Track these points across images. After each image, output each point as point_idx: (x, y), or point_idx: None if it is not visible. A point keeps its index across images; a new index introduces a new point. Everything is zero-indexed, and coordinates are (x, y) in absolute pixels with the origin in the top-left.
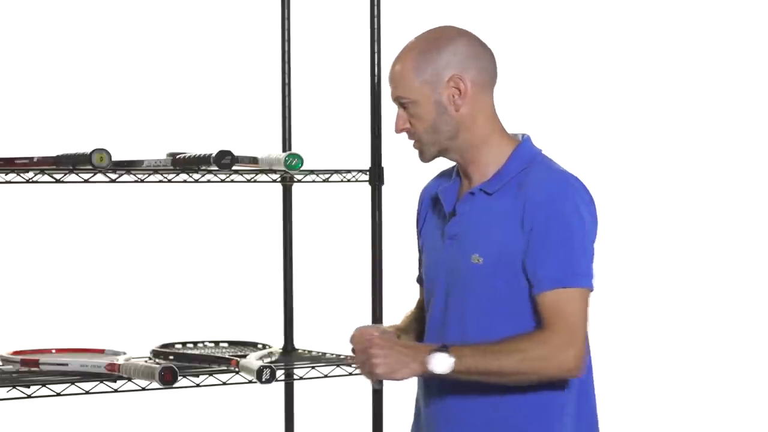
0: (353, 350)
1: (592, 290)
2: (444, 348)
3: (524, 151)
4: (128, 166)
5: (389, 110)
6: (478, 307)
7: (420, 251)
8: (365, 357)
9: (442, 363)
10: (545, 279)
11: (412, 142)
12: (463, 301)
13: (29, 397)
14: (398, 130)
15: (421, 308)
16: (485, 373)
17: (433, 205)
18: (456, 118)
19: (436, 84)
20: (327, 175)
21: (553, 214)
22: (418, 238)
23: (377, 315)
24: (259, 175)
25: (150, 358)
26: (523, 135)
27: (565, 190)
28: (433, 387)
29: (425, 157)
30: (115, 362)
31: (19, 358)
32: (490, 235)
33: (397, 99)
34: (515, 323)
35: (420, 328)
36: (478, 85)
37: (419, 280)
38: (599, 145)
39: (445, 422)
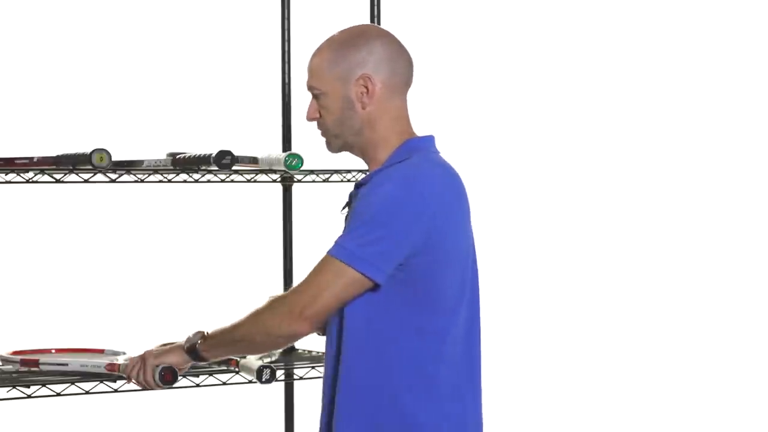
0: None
1: (359, 272)
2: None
3: (399, 153)
4: (128, 166)
5: None
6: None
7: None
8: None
9: (191, 340)
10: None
11: (320, 131)
12: None
13: (29, 397)
14: (309, 119)
15: None
16: (232, 344)
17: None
18: (362, 115)
19: (346, 80)
20: (327, 175)
21: (358, 205)
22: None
23: None
24: (259, 175)
25: None
26: (428, 136)
27: (380, 188)
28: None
29: (331, 147)
30: (115, 362)
31: (18, 358)
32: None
33: (310, 89)
34: (363, 320)
35: None
36: (388, 87)
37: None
38: (599, 145)
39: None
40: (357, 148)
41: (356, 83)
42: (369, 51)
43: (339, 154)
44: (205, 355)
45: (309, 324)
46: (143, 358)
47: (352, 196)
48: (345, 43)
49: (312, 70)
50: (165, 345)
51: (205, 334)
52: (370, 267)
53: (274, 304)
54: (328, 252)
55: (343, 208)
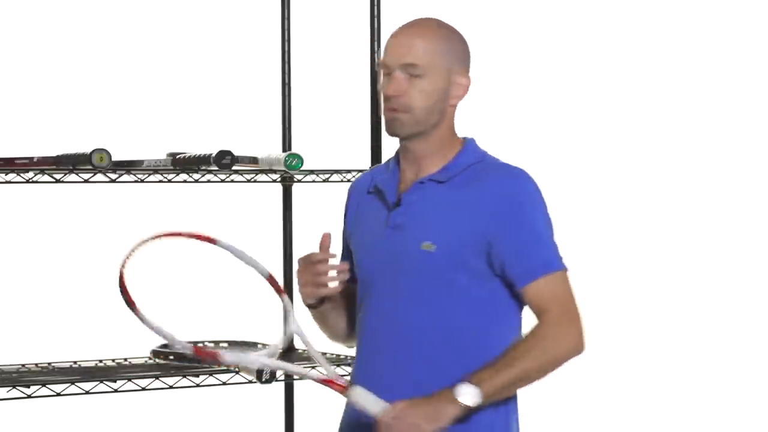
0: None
1: (568, 270)
2: (461, 382)
3: (473, 148)
4: (128, 166)
5: None
6: (428, 293)
7: (347, 247)
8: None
9: (470, 395)
10: (527, 272)
11: (390, 109)
12: (410, 288)
13: (29, 397)
14: (392, 93)
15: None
16: (510, 385)
17: (369, 198)
18: (446, 110)
19: (450, 72)
20: (327, 175)
21: (522, 212)
22: (346, 235)
23: None
24: (259, 175)
25: (150, 358)
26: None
27: (526, 185)
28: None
29: (402, 129)
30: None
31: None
32: (445, 224)
33: (407, 65)
34: (464, 311)
35: (341, 315)
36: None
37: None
38: (598, 145)
39: None
40: (424, 138)
41: (459, 79)
42: (465, 50)
43: (339, 154)
44: (480, 405)
45: None
46: (416, 425)
47: (422, 188)
48: (454, 35)
49: (418, 50)
50: (410, 402)
51: (472, 383)
52: (563, 260)
53: (552, 333)
54: (554, 269)
55: (353, 206)
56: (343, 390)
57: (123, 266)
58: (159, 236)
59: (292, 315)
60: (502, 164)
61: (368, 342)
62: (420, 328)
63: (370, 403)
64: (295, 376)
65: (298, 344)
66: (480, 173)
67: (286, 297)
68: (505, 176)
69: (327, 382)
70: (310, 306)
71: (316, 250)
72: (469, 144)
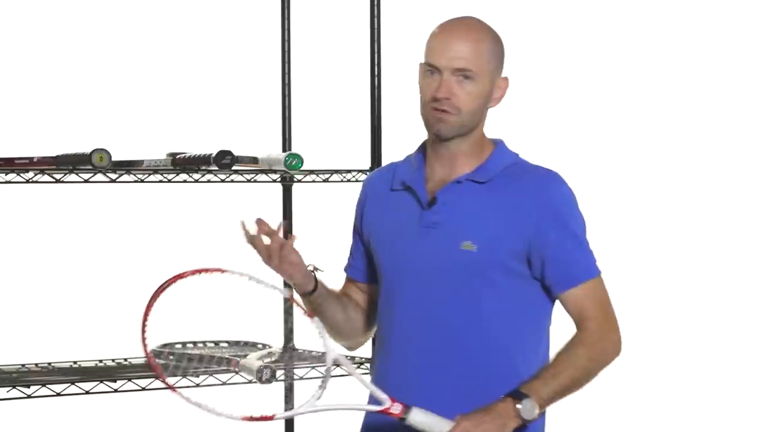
0: None
1: (601, 273)
2: (517, 395)
3: (506, 149)
4: (128, 166)
5: (389, 110)
6: (467, 292)
7: (359, 242)
8: None
9: (530, 410)
10: (567, 278)
11: (438, 109)
12: (449, 287)
13: (29, 397)
14: (443, 95)
15: (344, 295)
16: (559, 395)
17: (395, 196)
18: (484, 112)
19: (496, 74)
20: (327, 175)
21: (562, 216)
22: (360, 232)
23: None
24: (259, 175)
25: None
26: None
27: (564, 190)
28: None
29: (449, 131)
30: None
31: None
32: (485, 224)
33: (460, 69)
34: (501, 311)
35: (340, 308)
36: None
37: (349, 270)
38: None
39: None
40: (463, 138)
41: (501, 81)
42: (504, 53)
43: (339, 154)
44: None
45: None
46: None
47: (459, 187)
48: (498, 38)
49: (471, 54)
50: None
51: (523, 394)
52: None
53: (596, 341)
54: (591, 277)
55: (369, 202)
56: (401, 416)
57: (144, 334)
58: (166, 286)
59: (327, 338)
60: (536, 167)
61: (399, 341)
62: (458, 327)
63: (432, 423)
64: (295, 377)
65: (299, 344)
66: (517, 175)
67: (316, 318)
68: (543, 179)
69: (385, 411)
70: (303, 294)
71: (316, 250)
72: (501, 145)
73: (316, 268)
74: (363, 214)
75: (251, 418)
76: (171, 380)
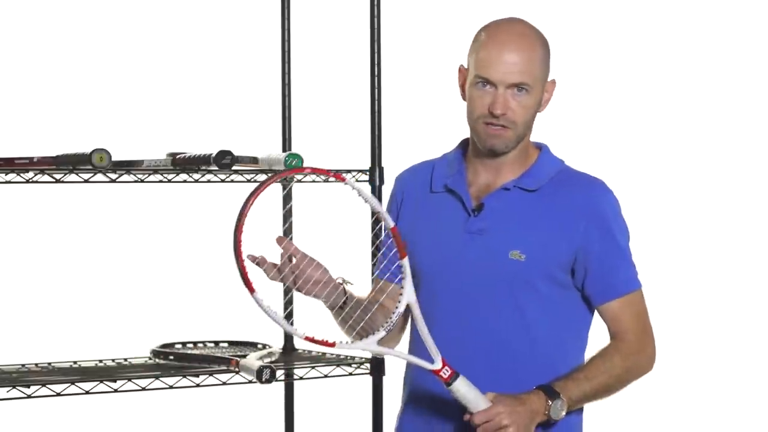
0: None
1: (642, 286)
2: (550, 391)
3: (552, 156)
4: (128, 166)
5: (389, 110)
6: (513, 301)
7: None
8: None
9: (558, 410)
10: (609, 290)
11: (494, 125)
12: (495, 295)
13: (29, 397)
14: (501, 112)
15: (371, 302)
16: (588, 399)
17: (435, 199)
18: (534, 118)
19: (544, 82)
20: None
21: (609, 226)
22: (396, 231)
23: None
24: (259, 175)
25: (150, 358)
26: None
27: (611, 199)
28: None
29: (507, 146)
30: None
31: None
32: (534, 234)
33: (516, 84)
34: (545, 319)
35: (381, 315)
36: None
37: (381, 275)
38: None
39: None
40: (517, 147)
41: (549, 85)
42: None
43: (339, 154)
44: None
45: None
46: (525, 426)
47: (507, 194)
48: (546, 42)
49: (526, 65)
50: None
51: (556, 392)
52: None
53: (633, 353)
54: (635, 288)
55: (407, 201)
56: (448, 380)
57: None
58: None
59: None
60: (583, 174)
61: (440, 348)
62: (504, 337)
63: (471, 397)
64: (295, 377)
65: (299, 344)
66: (564, 183)
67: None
68: (590, 188)
69: (436, 373)
70: (333, 308)
71: (316, 249)
72: (546, 150)
73: (345, 281)
74: (399, 216)
75: (313, 340)
76: (171, 380)
